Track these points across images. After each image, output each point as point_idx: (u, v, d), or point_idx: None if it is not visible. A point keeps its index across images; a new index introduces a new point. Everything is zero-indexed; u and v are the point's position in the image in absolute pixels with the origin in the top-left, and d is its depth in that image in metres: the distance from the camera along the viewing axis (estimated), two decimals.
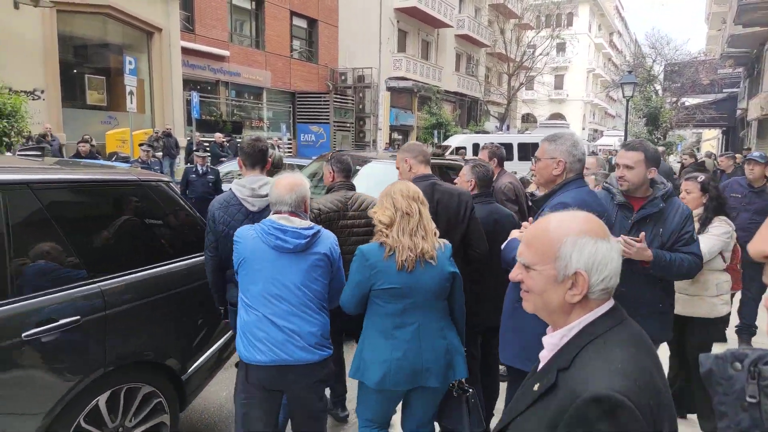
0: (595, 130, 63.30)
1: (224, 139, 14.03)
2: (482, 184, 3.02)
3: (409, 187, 2.40)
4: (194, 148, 10.78)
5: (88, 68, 14.02)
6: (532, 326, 1.99)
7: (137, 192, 2.90)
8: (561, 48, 47.71)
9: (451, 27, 29.74)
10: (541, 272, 1.13)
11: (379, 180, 3.58)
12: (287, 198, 2.40)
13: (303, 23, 23.63)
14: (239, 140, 13.06)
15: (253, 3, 20.87)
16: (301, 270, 2.35)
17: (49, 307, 2.31)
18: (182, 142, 14.88)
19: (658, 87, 26.90)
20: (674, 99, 25.89)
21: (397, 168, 3.13)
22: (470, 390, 2.49)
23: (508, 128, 33.98)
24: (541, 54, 30.48)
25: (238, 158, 3.10)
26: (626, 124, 15.98)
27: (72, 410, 2.38)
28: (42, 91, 11.73)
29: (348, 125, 24.61)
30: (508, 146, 20.59)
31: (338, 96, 24.23)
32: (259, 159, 2.96)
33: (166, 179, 3.13)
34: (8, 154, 9.23)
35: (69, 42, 12.85)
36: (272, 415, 2.50)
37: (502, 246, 2.53)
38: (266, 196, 2.72)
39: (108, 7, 13.04)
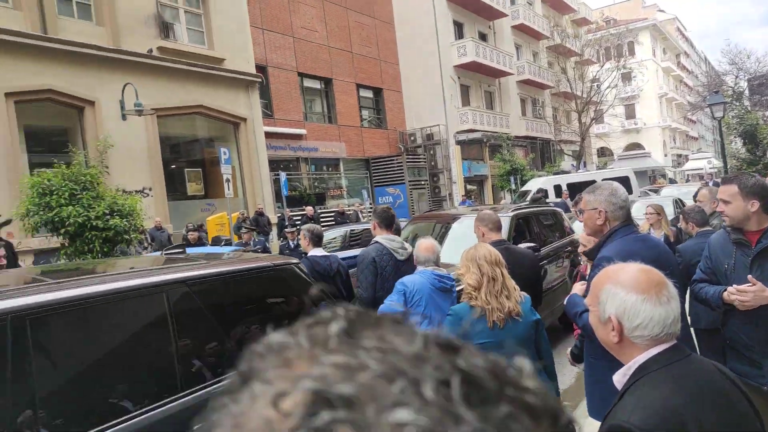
0: (679, 155, 60.01)
1: (314, 213, 14.64)
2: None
3: (491, 251, 2.68)
4: (285, 224, 11.33)
5: (185, 162, 15.32)
6: (609, 379, 2.27)
7: (274, 276, 3.04)
8: (627, 77, 46.49)
9: (512, 74, 29.95)
10: (593, 312, 1.39)
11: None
12: (433, 256, 3.41)
13: (369, 93, 24.75)
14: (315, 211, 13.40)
15: (322, 82, 22.21)
16: (452, 300, 3.31)
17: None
18: (273, 219, 15.64)
19: (746, 103, 25.26)
20: (766, 112, 24.09)
21: (474, 232, 3.89)
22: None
23: (584, 165, 33.01)
24: (608, 87, 29.82)
25: (373, 221, 4.10)
26: (723, 147, 14.92)
27: None
28: (150, 189, 12.91)
29: (423, 183, 24.93)
30: (592, 183, 19.92)
31: (410, 156, 24.76)
32: (392, 222, 3.99)
33: (294, 261, 3.26)
34: (127, 249, 10.12)
35: (167, 141, 14.16)
36: None
37: (565, 301, 2.66)
38: (407, 249, 3.91)
39: (200, 106, 14.35)
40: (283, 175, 15.35)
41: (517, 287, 2.69)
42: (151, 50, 13.04)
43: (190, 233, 10.90)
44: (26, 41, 10.90)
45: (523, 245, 5.83)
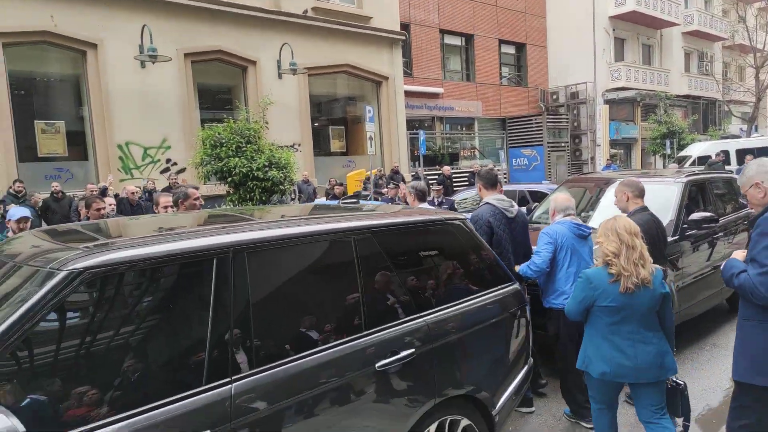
0: None
1: (450, 172, 14.64)
2: None
3: (630, 224, 2.91)
4: (435, 180, 11.46)
5: (329, 120, 16.08)
6: (760, 339, 2.54)
7: (444, 230, 3.11)
8: None
9: (678, 25, 26.56)
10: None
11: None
12: (571, 205, 3.96)
13: (511, 49, 23.64)
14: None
15: (463, 39, 21.63)
16: (590, 248, 3.88)
17: (392, 341, 2.56)
18: (407, 177, 15.92)
19: None
20: None
21: (616, 196, 4.20)
22: (682, 383, 3.03)
23: (756, 129, 28.63)
24: None
25: (478, 183, 4.29)
26: None
27: None
28: (299, 144, 13.80)
29: (563, 145, 23.53)
30: (725, 154, 17.26)
31: (550, 116, 23.43)
32: (496, 181, 4.21)
33: (462, 217, 3.29)
34: (282, 198, 11.01)
35: (314, 99, 14.93)
36: None
37: (722, 266, 2.75)
38: (515, 206, 4.14)
39: (346, 65, 14.85)
40: (422, 134, 15.45)
41: (650, 259, 2.87)
42: (306, 11, 13.66)
43: (335, 187, 11.51)
44: (200, 5, 12.02)
45: (698, 215, 5.31)
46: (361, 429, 2.39)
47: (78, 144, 11.39)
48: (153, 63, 11.05)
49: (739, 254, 2.67)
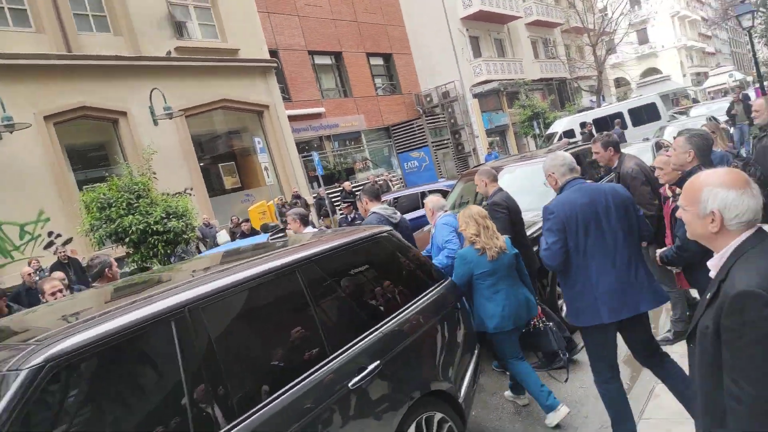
0: (698, 74, 57.92)
1: (351, 187, 14.90)
2: (701, 155, 3.02)
3: (481, 210, 3.78)
4: (344, 199, 11.60)
5: (217, 158, 15.65)
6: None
7: (377, 244, 3.27)
8: (636, 1, 44.67)
9: (520, 17, 29.25)
10: (689, 212, 1.64)
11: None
12: (444, 204, 4.83)
13: (380, 60, 24.55)
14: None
15: (333, 57, 22.11)
16: None
17: (357, 358, 2.67)
18: (309, 200, 15.94)
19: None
20: None
21: (477, 184, 4.76)
22: (549, 323, 3.95)
23: (603, 99, 32.25)
24: (621, 14, 28.88)
25: (363, 198, 4.85)
26: (755, 57, 14.49)
27: None
28: (191, 189, 13.28)
29: (445, 142, 24.86)
30: (619, 115, 19.65)
31: (429, 117, 24.64)
32: (379, 194, 5.02)
33: (387, 228, 3.48)
34: (187, 248, 10.54)
35: (196, 139, 14.45)
36: None
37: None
38: (397, 213, 4.78)
39: (223, 100, 14.57)
40: (315, 155, 15.57)
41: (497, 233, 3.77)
42: (169, 52, 13.22)
43: (242, 224, 11.26)
44: (55, 62, 11.20)
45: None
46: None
47: None
48: (11, 132, 10.09)
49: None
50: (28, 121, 10.36)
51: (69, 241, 11.15)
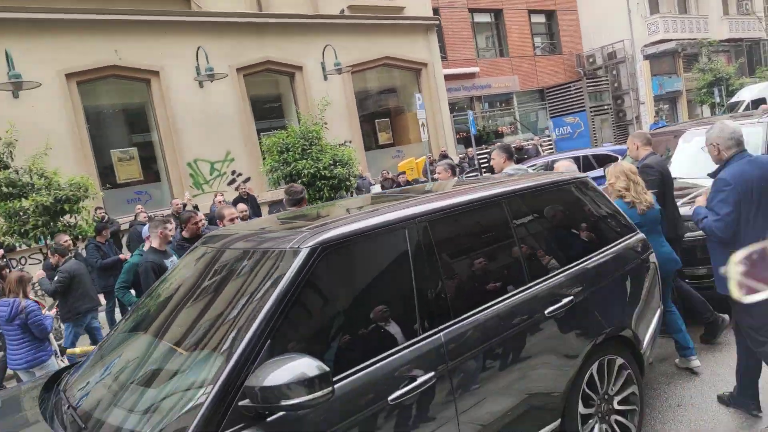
0: None
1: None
2: None
3: (631, 167, 3.93)
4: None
5: (374, 114, 16.40)
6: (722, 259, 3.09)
7: (573, 189, 3.34)
8: None
9: None
10: None
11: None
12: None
13: (541, 18, 23.37)
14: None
15: (492, 15, 21.54)
16: None
17: (553, 290, 2.83)
18: (456, 160, 16.08)
19: None
20: None
21: (628, 147, 4.72)
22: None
23: None
24: None
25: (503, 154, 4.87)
26: None
27: (579, 377, 2.85)
28: (350, 141, 14.16)
29: (605, 107, 23.15)
30: None
31: (590, 80, 23.05)
32: (512, 154, 5.10)
33: (582, 176, 3.52)
34: (346, 195, 11.40)
35: (358, 95, 15.25)
36: None
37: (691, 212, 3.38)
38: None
39: (386, 57, 15.12)
40: (471, 114, 15.60)
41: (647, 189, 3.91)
42: (343, 10, 14.00)
43: (400, 177, 11.83)
44: (246, 20, 12.51)
45: None
46: (542, 368, 2.68)
47: (151, 167, 12.08)
48: (211, 81, 11.59)
49: (701, 200, 3.33)
50: (224, 71, 11.78)
51: (248, 180, 12.66)
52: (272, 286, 2.06)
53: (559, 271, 2.93)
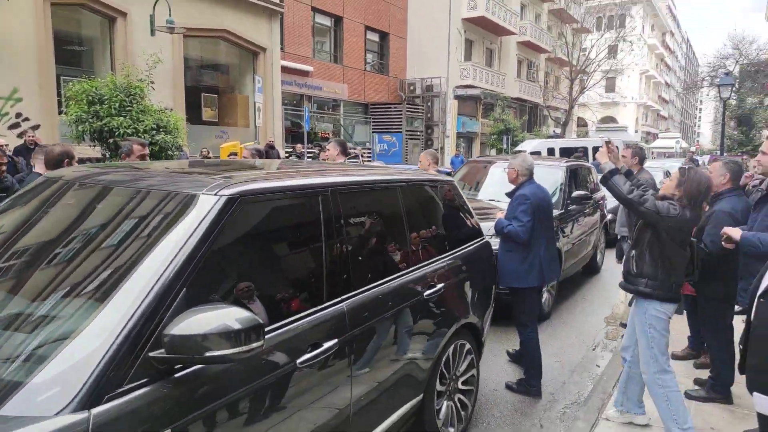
0: (648, 133, 61.94)
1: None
2: (735, 178, 3.59)
3: None
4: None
5: (202, 87, 15.25)
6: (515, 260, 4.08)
7: (438, 189, 3.62)
8: (613, 51, 46.84)
9: (515, 34, 30.16)
10: None
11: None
12: None
13: (375, 37, 24.61)
14: None
15: (333, 20, 21.95)
16: None
17: (430, 275, 3.03)
18: (282, 153, 15.89)
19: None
20: (757, 99, 25.53)
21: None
22: None
23: (563, 132, 33.92)
24: (604, 58, 30.47)
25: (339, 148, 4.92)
26: (723, 127, 15.97)
27: (440, 357, 3.09)
28: (171, 110, 12.89)
29: (418, 133, 25.37)
30: (584, 150, 20.94)
31: (409, 105, 25.03)
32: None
33: (451, 179, 3.84)
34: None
35: (186, 63, 14.04)
36: None
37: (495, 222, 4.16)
38: None
39: (224, 31, 14.21)
40: (307, 110, 15.55)
41: None
42: None
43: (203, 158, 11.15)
44: None
45: (578, 192, 6.59)
46: (418, 343, 2.84)
47: None
48: (7, 0, 9.47)
49: (500, 215, 4.14)
50: None
51: (37, 127, 10.60)
52: (185, 231, 1.81)
53: (435, 259, 3.15)
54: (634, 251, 3.15)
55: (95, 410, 1.43)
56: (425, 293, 2.91)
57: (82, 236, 1.94)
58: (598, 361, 4.86)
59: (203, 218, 1.84)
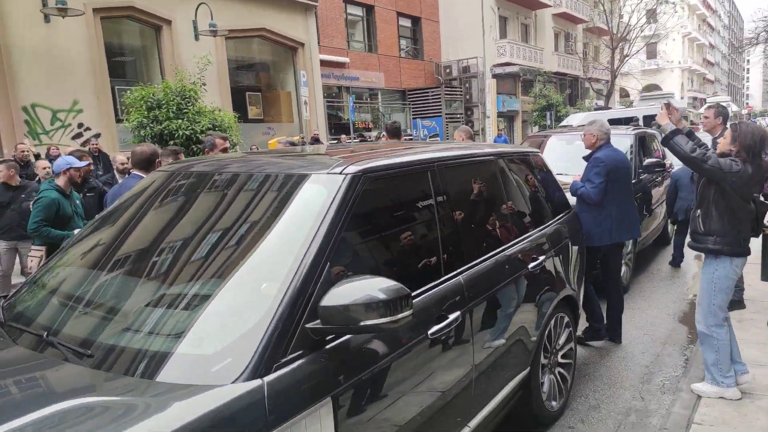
0: (695, 98, 59.24)
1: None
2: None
3: None
4: None
5: (246, 86, 15.52)
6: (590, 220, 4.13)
7: (530, 160, 3.56)
8: (651, 15, 44.99)
9: (550, 6, 29.32)
10: None
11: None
12: None
13: (408, 23, 24.41)
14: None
15: (365, 9, 21.89)
16: None
17: (533, 248, 3.00)
18: (325, 144, 16.04)
19: None
20: None
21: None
22: None
23: (606, 104, 32.79)
24: (645, 23, 29.24)
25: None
26: None
27: (544, 330, 3.05)
28: (219, 110, 13.19)
29: (458, 116, 25.09)
30: (634, 120, 20.24)
31: (447, 88, 24.76)
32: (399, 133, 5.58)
33: (537, 151, 3.77)
34: None
35: (230, 64, 14.30)
36: None
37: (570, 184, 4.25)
38: None
39: (263, 29, 14.39)
40: (351, 100, 15.62)
41: None
42: None
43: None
44: None
45: (650, 160, 6.38)
46: (526, 315, 2.82)
47: None
48: (63, 17, 9.85)
49: (576, 177, 4.22)
50: (79, 8, 10.11)
51: (98, 135, 11.05)
52: (320, 209, 1.85)
53: (534, 232, 3.11)
54: (699, 210, 3.17)
55: (267, 378, 1.48)
56: (529, 266, 2.87)
57: (228, 221, 2.01)
58: (689, 333, 4.71)
59: (334, 196, 1.88)
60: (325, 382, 1.63)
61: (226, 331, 1.59)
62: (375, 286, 1.63)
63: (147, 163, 4.20)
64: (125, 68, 12.53)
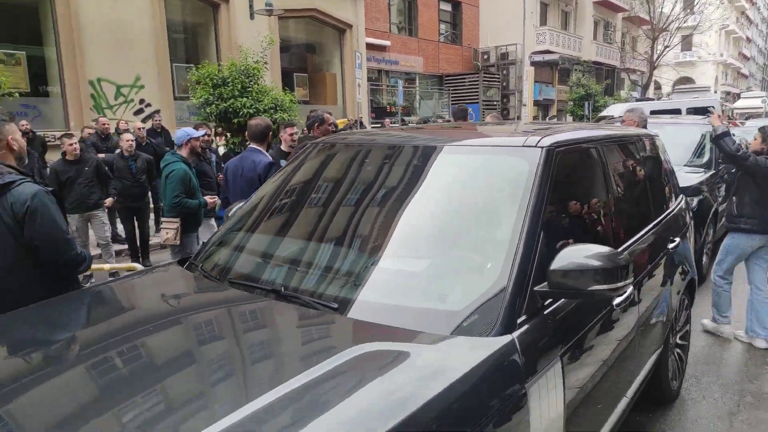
0: (728, 93, 57.68)
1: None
2: None
3: None
4: None
5: (294, 67, 15.63)
6: None
7: (654, 143, 3.61)
8: (689, 5, 43.91)
9: None
10: None
11: None
12: None
13: (448, 7, 24.20)
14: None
15: None
16: None
17: (668, 229, 3.07)
18: (369, 129, 16.11)
19: None
20: None
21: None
22: None
23: (643, 95, 32.20)
24: (685, 14, 28.54)
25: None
26: None
27: (677, 309, 3.14)
28: (284, 89, 13.36)
29: (494, 103, 24.91)
30: (677, 112, 19.89)
31: (485, 75, 24.57)
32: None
33: (655, 133, 3.81)
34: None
35: (281, 44, 14.40)
36: None
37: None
38: None
39: (314, 10, 14.44)
40: (400, 83, 15.64)
41: None
42: None
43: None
44: None
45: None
46: (666, 292, 2.91)
47: (42, 78, 10.12)
48: None
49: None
50: None
51: (158, 112, 11.28)
52: (526, 179, 1.95)
53: (666, 213, 3.18)
54: (735, 197, 4.05)
55: (515, 334, 1.60)
56: (669, 246, 2.96)
57: (441, 192, 2.11)
58: None
59: (536, 167, 1.97)
60: (554, 341, 1.75)
61: (471, 290, 1.71)
62: (599, 253, 1.72)
63: (262, 136, 4.36)
64: (182, 46, 12.71)
